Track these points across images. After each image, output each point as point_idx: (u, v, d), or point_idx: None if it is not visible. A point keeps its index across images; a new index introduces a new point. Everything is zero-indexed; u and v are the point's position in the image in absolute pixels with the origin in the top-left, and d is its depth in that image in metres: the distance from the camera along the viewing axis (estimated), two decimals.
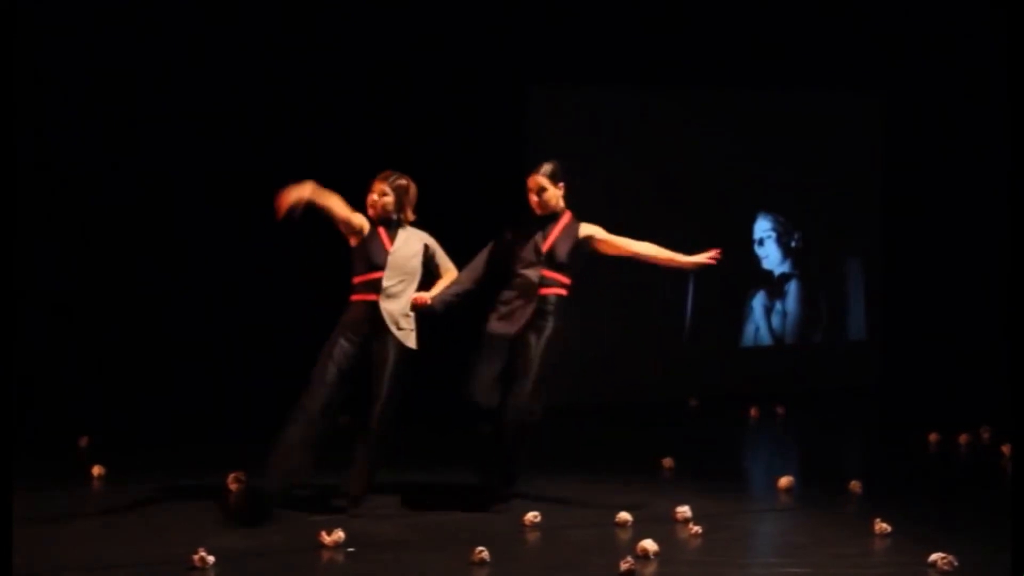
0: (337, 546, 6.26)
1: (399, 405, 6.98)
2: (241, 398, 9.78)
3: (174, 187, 9.98)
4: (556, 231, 7.17)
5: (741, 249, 11.26)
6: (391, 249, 7.05)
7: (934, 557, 5.94)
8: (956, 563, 5.88)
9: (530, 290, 7.11)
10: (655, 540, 6.16)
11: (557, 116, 10.67)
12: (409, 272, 7.10)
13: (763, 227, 11.45)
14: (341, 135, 10.20)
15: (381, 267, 7.02)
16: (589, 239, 7.20)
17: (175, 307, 10.00)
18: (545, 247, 7.15)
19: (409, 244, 7.14)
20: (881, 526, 6.55)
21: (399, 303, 7.04)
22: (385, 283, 7.01)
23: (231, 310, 10.08)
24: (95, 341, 9.82)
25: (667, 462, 8.23)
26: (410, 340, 7.04)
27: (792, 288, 11.56)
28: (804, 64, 11.20)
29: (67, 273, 9.77)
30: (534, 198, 7.20)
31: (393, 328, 6.98)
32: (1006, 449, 8.38)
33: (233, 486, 7.46)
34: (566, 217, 7.22)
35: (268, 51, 10.07)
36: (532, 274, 7.13)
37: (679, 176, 11.02)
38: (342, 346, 6.96)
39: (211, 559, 5.91)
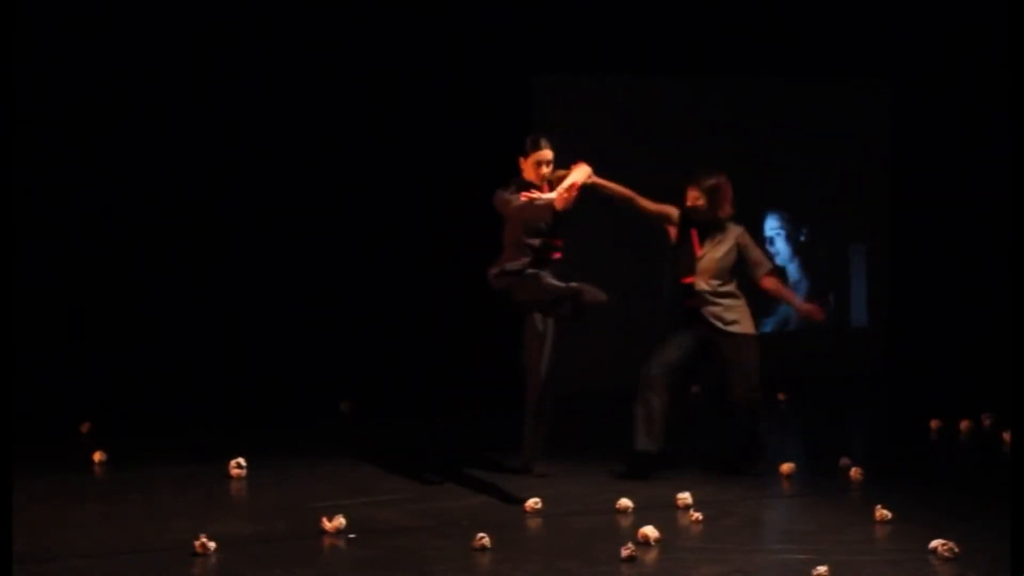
0: (338, 532, 6.26)
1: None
2: (242, 384, 9.79)
3: (173, 175, 9.97)
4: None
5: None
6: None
7: (935, 543, 5.94)
8: (957, 549, 5.89)
9: None
10: (656, 527, 6.16)
11: (562, 105, 10.63)
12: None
13: (771, 225, 11.42)
14: (346, 126, 10.19)
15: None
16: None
17: (176, 293, 9.99)
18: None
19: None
20: (882, 513, 6.55)
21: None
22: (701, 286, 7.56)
23: (232, 296, 10.08)
24: (97, 327, 9.82)
25: None
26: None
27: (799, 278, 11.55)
28: (809, 53, 11.16)
29: (69, 260, 9.76)
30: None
31: (720, 324, 7.54)
32: (1006, 436, 8.37)
33: (234, 472, 7.47)
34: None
35: (271, 44, 10.05)
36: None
37: (684, 165, 10.97)
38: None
39: (212, 545, 5.92)
